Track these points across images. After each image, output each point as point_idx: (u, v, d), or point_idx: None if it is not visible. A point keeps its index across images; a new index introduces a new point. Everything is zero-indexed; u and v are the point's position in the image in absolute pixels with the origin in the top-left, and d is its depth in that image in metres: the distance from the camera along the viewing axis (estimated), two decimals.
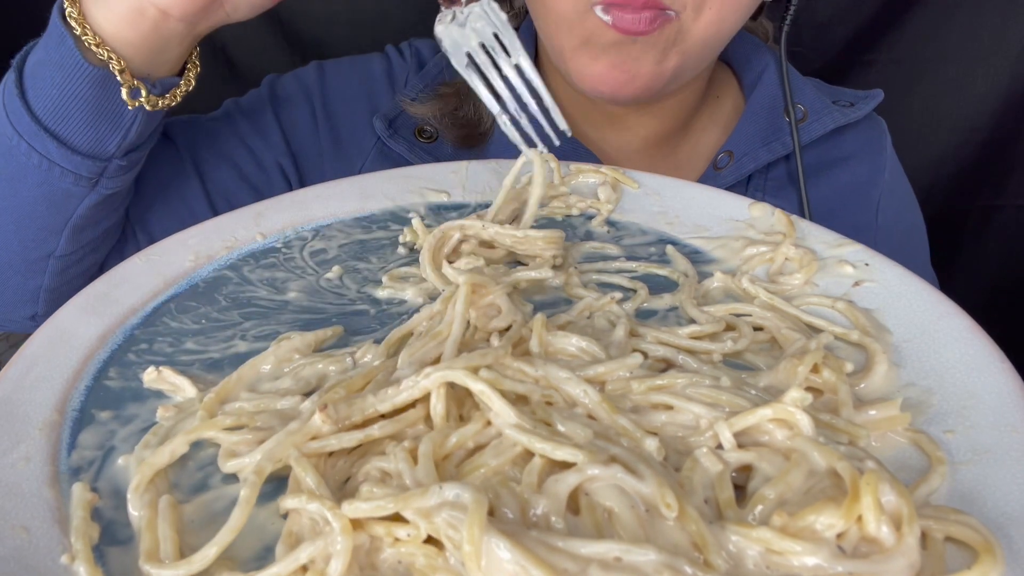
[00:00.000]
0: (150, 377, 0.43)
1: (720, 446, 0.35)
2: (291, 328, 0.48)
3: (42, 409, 0.41)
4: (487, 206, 0.61)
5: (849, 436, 0.36)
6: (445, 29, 0.60)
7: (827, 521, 0.30)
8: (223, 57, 1.22)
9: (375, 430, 0.37)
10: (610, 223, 0.59)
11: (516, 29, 0.82)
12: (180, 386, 0.43)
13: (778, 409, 0.35)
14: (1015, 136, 1.14)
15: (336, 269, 0.54)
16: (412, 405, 0.38)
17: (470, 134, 0.78)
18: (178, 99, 0.64)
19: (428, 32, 0.88)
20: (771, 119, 0.77)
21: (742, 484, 0.35)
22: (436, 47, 0.85)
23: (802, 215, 0.72)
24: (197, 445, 0.39)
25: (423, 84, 0.81)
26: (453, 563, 0.31)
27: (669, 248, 0.55)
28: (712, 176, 0.76)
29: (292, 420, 0.39)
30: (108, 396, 0.43)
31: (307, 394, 0.41)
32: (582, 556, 0.29)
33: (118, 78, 0.59)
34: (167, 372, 0.43)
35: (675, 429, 0.37)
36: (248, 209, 0.61)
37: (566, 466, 0.33)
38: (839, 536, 0.30)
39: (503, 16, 0.59)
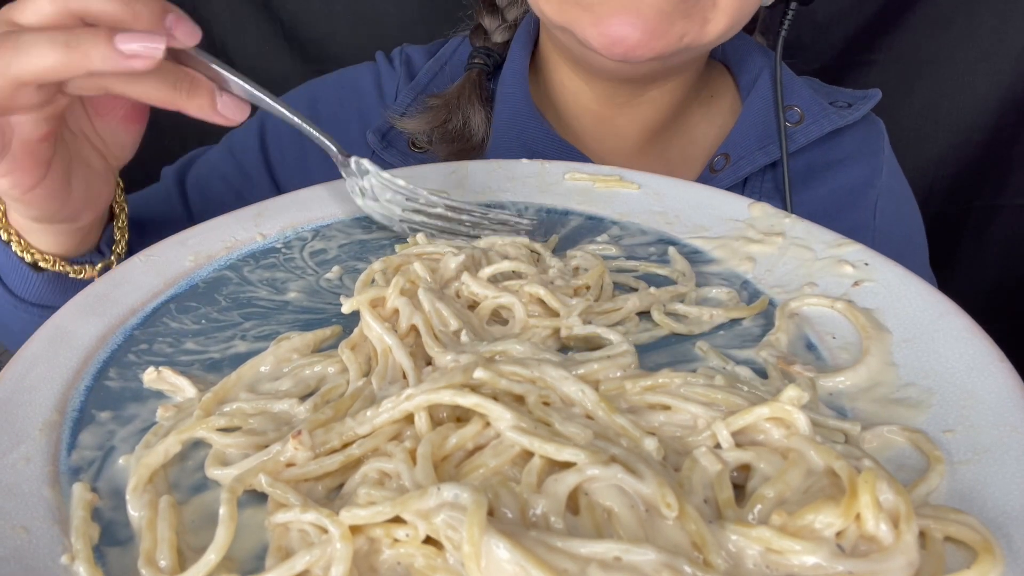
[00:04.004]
0: (150, 377, 0.43)
1: (718, 445, 0.35)
2: (291, 328, 0.48)
3: (42, 409, 0.41)
4: (487, 206, 0.61)
5: (845, 435, 0.37)
6: (366, 205, 0.59)
7: (826, 520, 0.30)
8: (223, 57, 1.22)
9: (355, 449, 0.37)
10: (611, 222, 0.59)
11: (509, 41, 0.82)
12: (180, 386, 0.43)
13: (775, 408, 0.35)
14: (1015, 136, 1.14)
15: (336, 269, 0.54)
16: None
17: (463, 148, 0.77)
18: (127, 235, 0.65)
19: (427, 32, 0.89)
20: (767, 122, 0.77)
21: (741, 483, 0.35)
22: (427, 53, 0.86)
23: None
24: (196, 445, 0.39)
25: (414, 94, 0.81)
26: (452, 563, 0.31)
27: (671, 249, 0.55)
28: (708, 179, 0.76)
29: (286, 424, 0.40)
30: (108, 396, 0.43)
31: (305, 396, 0.41)
32: (582, 556, 0.29)
33: (85, 277, 0.62)
34: (167, 372, 0.43)
35: (673, 429, 0.37)
36: (248, 209, 0.61)
37: (565, 466, 0.33)
38: (838, 535, 0.30)
39: (398, 181, 0.58)
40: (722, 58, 0.84)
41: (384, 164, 0.77)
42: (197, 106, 0.50)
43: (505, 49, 0.82)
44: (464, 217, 0.58)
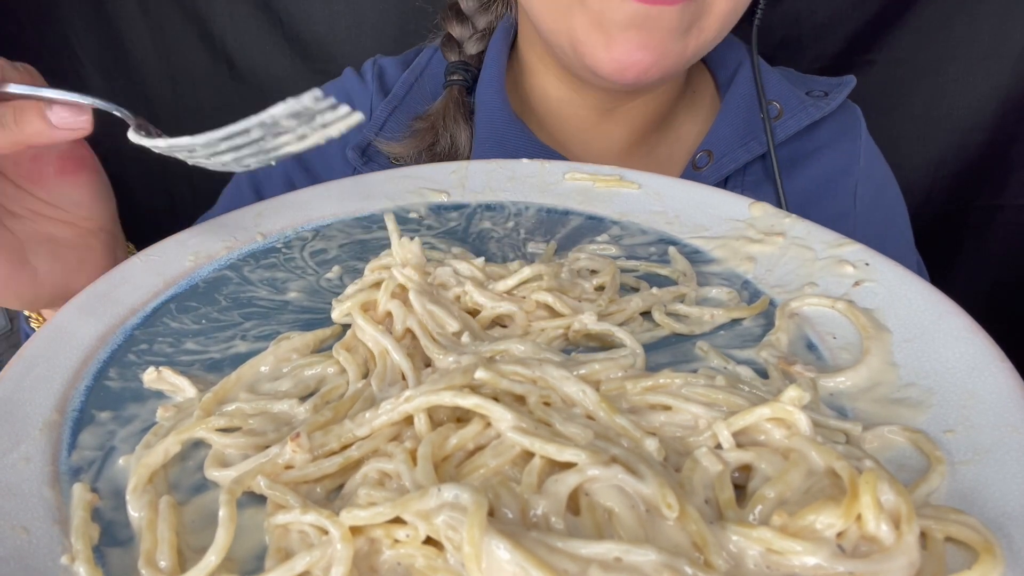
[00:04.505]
0: (150, 377, 0.43)
1: (719, 446, 0.35)
2: (291, 328, 0.48)
3: (42, 409, 0.41)
4: (488, 207, 0.61)
5: (846, 435, 0.37)
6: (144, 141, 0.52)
7: (827, 520, 0.30)
8: (223, 57, 1.22)
9: (354, 451, 0.37)
10: (611, 222, 0.59)
11: (483, 51, 0.81)
12: (180, 386, 0.43)
13: (776, 408, 0.35)
14: (1015, 136, 1.14)
15: (336, 269, 0.54)
16: None
17: None
18: None
19: (427, 33, 0.89)
20: (747, 118, 0.76)
21: (742, 484, 0.35)
22: (402, 64, 0.85)
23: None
24: (196, 445, 0.39)
25: (390, 109, 0.80)
26: (453, 564, 0.31)
27: (671, 249, 0.55)
28: (692, 176, 0.76)
29: (285, 424, 0.40)
30: (108, 396, 0.43)
31: (305, 397, 0.41)
32: (582, 557, 0.29)
33: None
34: (167, 372, 0.43)
35: (674, 429, 0.37)
36: (248, 209, 0.61)
37: (566, 466, 0.33)
38: (839, 535, 0.30)
39: (161, 143, 0.51)
40: None
41: None
42: (34, 132, 0.48)
43: (481, 61, 0.81)
44: (254, 134, 0.49)
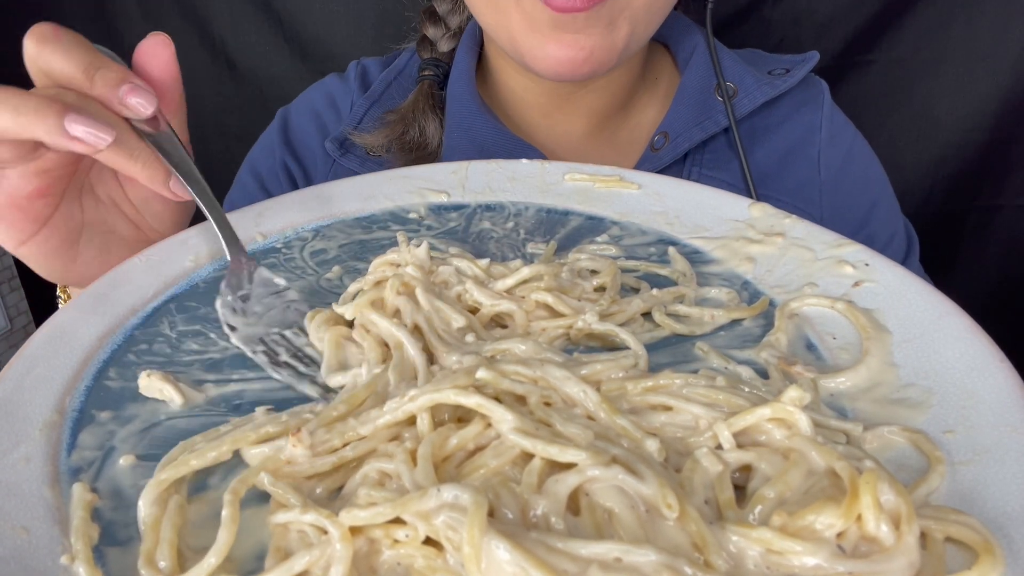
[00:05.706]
0: (143, 383, 0.43)
1: (719, 446, 0.35)
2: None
3: (42, 409, 0.41)
4: (488, 207, 0.61)
5: (846, 435, 0.37)
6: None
7: (827, 521, 0.30)
8: (223, 57, 1.22)
9: (348, 451, 0.37)
10: (611, 222, 0.59)
11: (456, 48, 0.83)
12: (166, 393, 0.42)
13: (777, 408, 0.35)
14: (1015, 136, 1.14)
15: (336, 269, 0.54)
16: None
17: (419, 156, 0.79)
18: None
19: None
20: (702, 99, 0.77)
21: (741, 484, 0.35)
22: (383, 65, 0.87)
23: (745, 188, 0.73)
24: None
25: (368, 104, 0.83)
26: (452, 564, 0.31)
27: (671, 250, 0.55)
28: (650, 158, 0.77)
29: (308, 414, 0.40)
30: (108, 396, 0.43)
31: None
32: (582, 557, 0.29)
33: None
34: (154, 378, 0.42)
35: (674, 430, 0.37)
36: (248, 209, 0.61)
37: (566, 466, 0.33)
38: (839, 536, 0.30)
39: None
40: (660, 38, 0.85)
41: (343, 170, 0.79)
42: (148, 176, 0.51)
43: (453, 58, 0.84)
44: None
